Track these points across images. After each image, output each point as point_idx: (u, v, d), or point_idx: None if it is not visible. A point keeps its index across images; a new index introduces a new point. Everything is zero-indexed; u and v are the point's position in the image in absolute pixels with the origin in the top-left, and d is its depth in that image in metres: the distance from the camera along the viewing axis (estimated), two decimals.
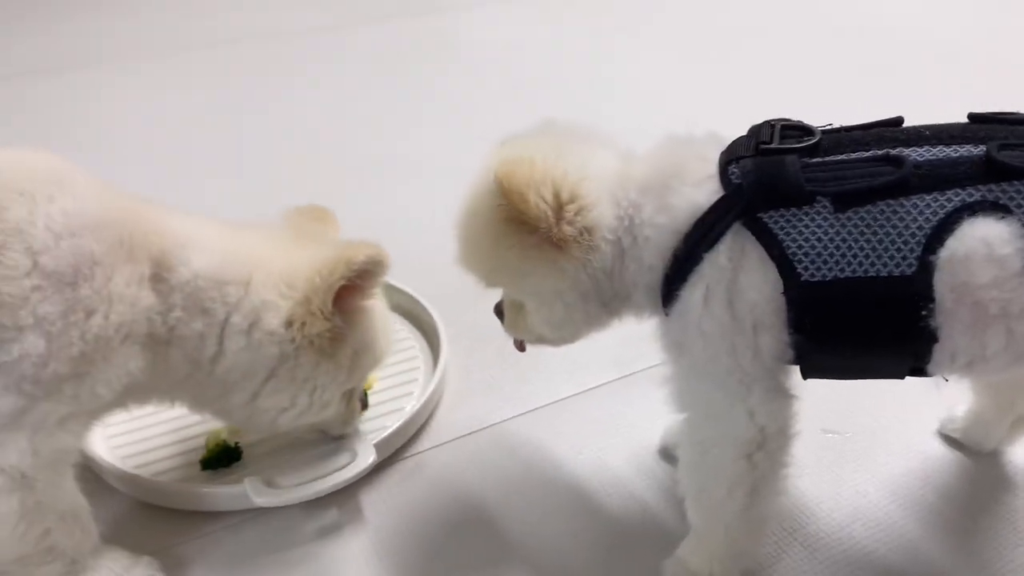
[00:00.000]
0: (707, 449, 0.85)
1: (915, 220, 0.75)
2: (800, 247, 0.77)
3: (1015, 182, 0.73)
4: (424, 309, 1.30)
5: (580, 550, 0.97)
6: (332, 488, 0.99)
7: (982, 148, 0.75)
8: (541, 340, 0.94)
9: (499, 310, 0.98)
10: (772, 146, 0.81)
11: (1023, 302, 0.74)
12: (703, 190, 0.80)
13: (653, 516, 1.00)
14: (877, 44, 2.48)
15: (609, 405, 1.17)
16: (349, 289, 0.92)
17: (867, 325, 0.78)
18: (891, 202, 0.76)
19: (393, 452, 1.09)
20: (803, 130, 0.82)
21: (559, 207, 0.82)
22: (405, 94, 2.31)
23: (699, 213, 0.80)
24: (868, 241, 0.76)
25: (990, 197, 0.74)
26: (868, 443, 1.09)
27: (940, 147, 0.76)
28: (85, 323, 0.79)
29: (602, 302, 0.88)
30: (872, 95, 1.97)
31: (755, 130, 0.84)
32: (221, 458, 1.06)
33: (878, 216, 0.76)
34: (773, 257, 0.78)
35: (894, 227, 0.75)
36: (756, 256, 0.78)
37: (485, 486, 1.06)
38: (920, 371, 0.81)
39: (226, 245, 0.91)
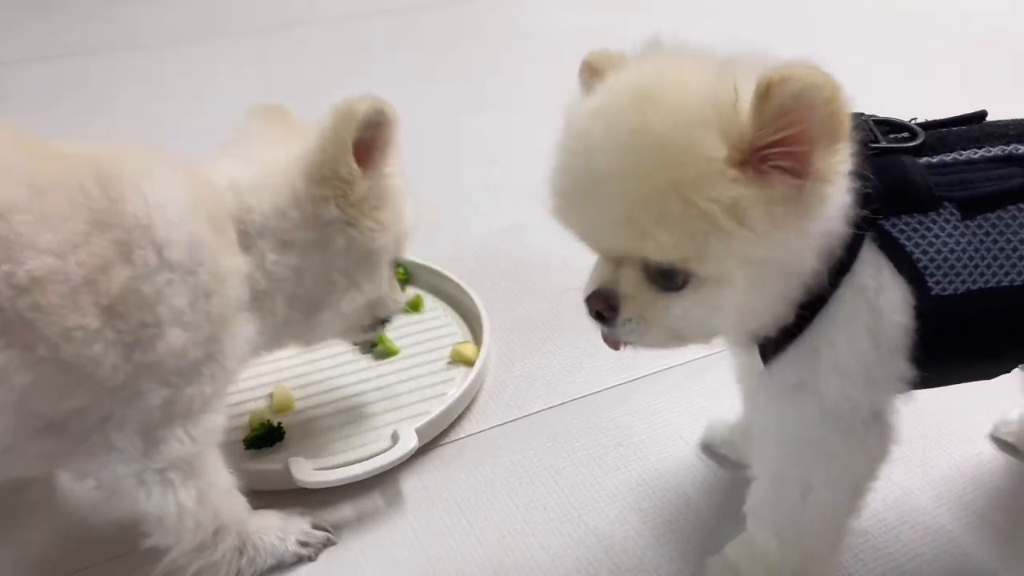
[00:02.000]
0: (812, 488, 0.77)
1: None
2: (932, 258, 0.70)
3: None
4: (469, 297, 1.30)
5: (619, 540, 0.96)
6: (374, 471, 0.99)
7: None
8: (677, 339, 0.73)
9: (603, 300, 0.71)
10: (883, 145, 0.72)
11: None
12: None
13: (694, 510, 0.99)
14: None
15: (649, 397, 1.16)
16: (366, 149, 0.89)
17: (997, 336, 0.73)
18: (1022, 206, 0.71)
19: (434, 437, 1.09)
20: (897, 127, 0.75)
21: (830, 117, 0.60)
22: (467, 80, 2.30)
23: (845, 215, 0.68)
24: (1001, 249, 0.70)
25: None
26: (917, 445, 1.07)
27: None
28: (207, 305, 0.80)
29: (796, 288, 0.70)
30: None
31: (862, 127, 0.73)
32: (264, 438, 1.06)
33: (1010, 222, 0.71)
34: (902, 271, 0.70)
35: None
36: (889, 272, 0.70)
37: (524, 474, 1.05)
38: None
39: (263, 175, 0.89)
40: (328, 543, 0.96)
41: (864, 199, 0.68)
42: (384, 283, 0.98)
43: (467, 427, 1.12)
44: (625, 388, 1.18)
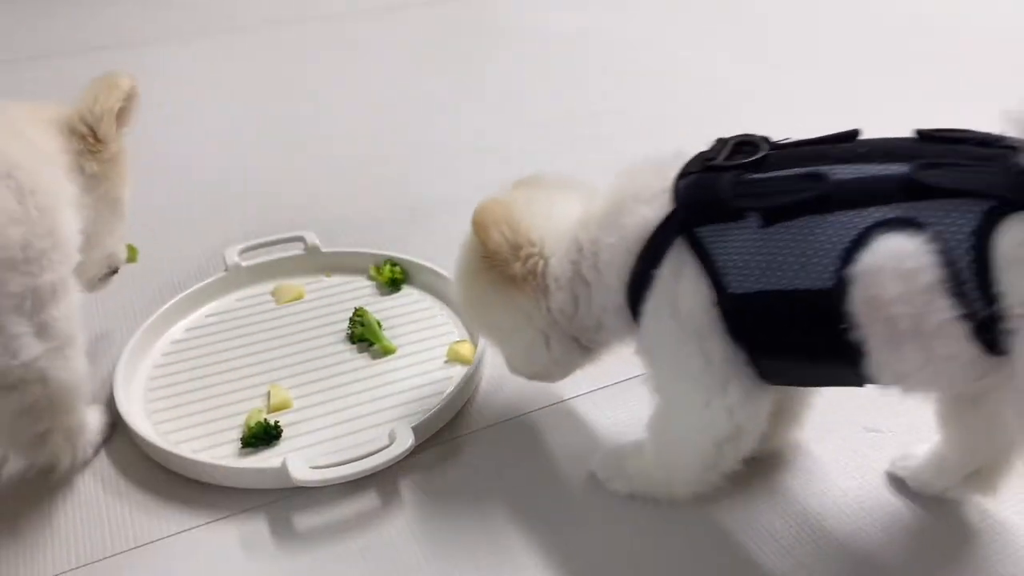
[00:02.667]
0: (684, 436, 0.93)
1: (836, 235, 0.77)
2: (730, 260, 0.82)
3: (933, 200, 0.73)
4: None
5: (617, 539, 0.96)
6: (370, 470, 0.99)
7: (907, 167, 0.75)
8: (526, 375, 1.07)
9: None
10: (715, 163, 0.85)
11: (935, 319, 0.74)
12: (654, 206, 0.87)
13: (694, 506, 0.99)
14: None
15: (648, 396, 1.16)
16: (119, 116, 1.09)
17: (797, 335, 0.82)
18: (815, 218, 0.78)
19: (431, 436, 1.09)
20: (755, 145, 0.86)
21: (516, 247, 0.94)
22: (448, 79, 2.30)
23: (650, 229, 0.86)
24: (792, 255, 0.79)
25: (906, 214, 0.74)
26: (912, 441, 1.07)
27: (871, 165, 0.77)
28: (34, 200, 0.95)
29: (570, 339, 0.99)
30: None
31: (714, 145, 0.88)
32: (261, 437, 1.06)
33: (802, 231, 0.78)
34: (706, 270, 0.83)
35: (817, 241, 0.77)
36: (692, 269, 0.84)
37: (522, 472, 1.05)
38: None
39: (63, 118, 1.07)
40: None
41: (682, 211, 0.84)
42: (123, 219, 1.15)
43: (465, 425, 1.12)
44: (625, 385, 1.18)
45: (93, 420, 1.07)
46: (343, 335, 1.26)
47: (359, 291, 1.36)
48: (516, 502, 1.01)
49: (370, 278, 1.38)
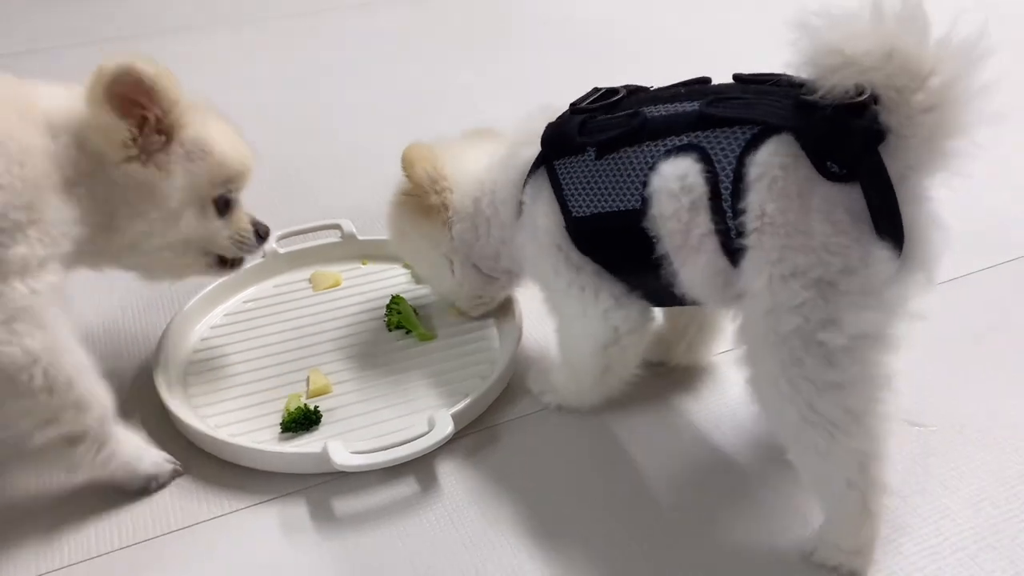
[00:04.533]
0: (574, 342, 1.06)
1: (641, 162, 0.89)
2: (572, 188, 0.96)
3: (716, 129, 0.83)
4: None
5: (652, 527, 0.96)
6: (410, 456, 0.99)
7: (699, 103, 0.86)
8: (440, 295, 1.27)
9: None
10: (577, 107, 0.99)
11: (696, 233, 0.85)
12: (533, 147, 1.01)
13: (730, 493, 0.99)
14: None
15: (687, 386, 1.16)
16: (130, 101, 0.95)
17: (625, 249, 0.94)
18: (630, 149, 0.90)
19: (470, 423, 1.09)
20: (616, 92, 0.98)
21: (432, 181, 1.10)
22: (471, 67, 2.29)
23: (529, 165, 1.01)
24: (613, 181, 0.92)
25: (693, 141, 0.85)
26: (954, 436, 1.05)
27: (680, 103, 0.89)
28: (22, 172, 0.89)
29: (471, 265, 1.15)
30: None
31: (587, 93, 1.01)
32: (300, 422, 1.07)
33: (620, 160, 0.91)
34: (557, 197, 0.97)
35: (629, 168, 0.90)
36: (547, 194, 0.99)
37: (559, 460, 1.05)
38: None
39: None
40: (176, 475, 1.04)
41: (544, 147, 0.99)
42: (182, 219, 1.03)
43: (503, 413, 1.12)
44: (661, 376, 1.18)
45: (128, 443, 1.00)
46: (380, 322, 1.26)
47: (395, 279, 1.36)
48: (554, 489, 1.01)
49: (405, 266, 1.38)
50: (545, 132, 1.00)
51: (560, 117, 1.01)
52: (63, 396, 0.90)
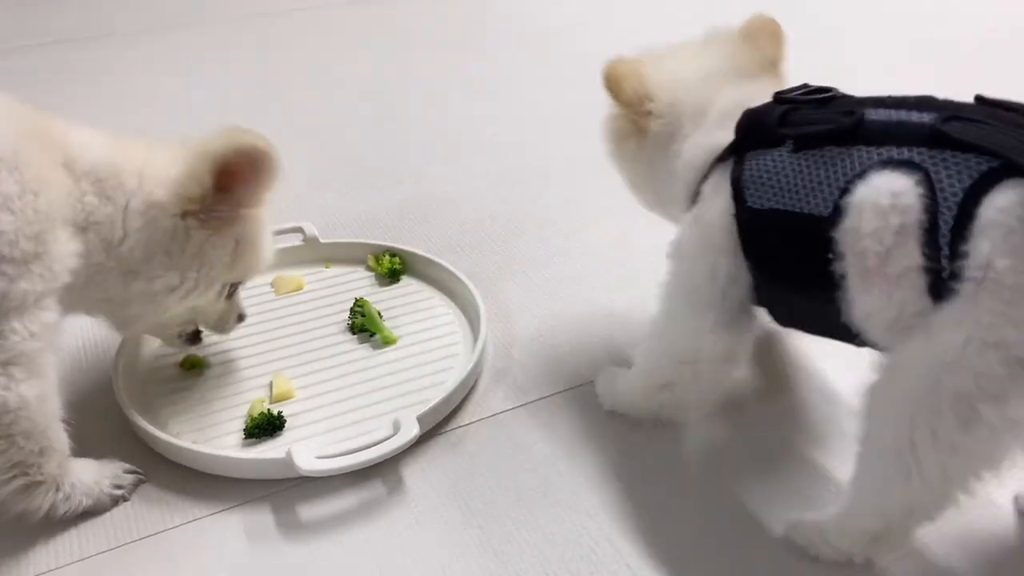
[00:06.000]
0: (658, 339, 1.02)
1: (847, 167, 0.78)
2: (753, 178, 0.86)
3: (946, 150, 0.73)
4: (463, 284, 1.29)
5: (621, 524, 0.97)
6: (375, 459, 0.99)
7: (933, 116, 0.76)
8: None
9: None
10: (783, 95, 0.90)
11: (901, 263, 0.74)
12: (728, 132, 0.92)
13: (691, 495, 1.00)
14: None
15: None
16: (232, 172, 0.96)
17: (793, 257, 0.85)
18: (837, 149, 0.80)
19: (435, 426, 1.09)
20: (830, 90, 0.89)
21: (639, 100, 0.99)
22: (442, 70, 2.29)
23: (718, 151, 0.93)
24: (807, 180, 0.82)
25: (912, 157, 0.74)
26: None
27: (906, 111, 0.78)
28: (35, 202, 0.87)
29: (654, 189, 1.07)
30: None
31: (799, 85, 0.93)
32: (264, 427, 1.06)
33: (822, 159, 0.81)
34: (732, 186, 0.88)
35: (832, 171, 0.79)
36: (724, 184, 0.90)
37: (526, 461, 1.06)
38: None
39: (118, 144, 0.98)
40: (139, 483, 1.02)
41: (738, 135, 0.90)
42: (213, 289, 1.04)
43: (469, 415, 1.12)
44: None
45: (84, 472, 0.99)
46: (343, 325, 1.25)
47: (358, 282, 1.36)
48: (517, 490, 1.02)
49: (369, 269, 1.38)
50: (742, 119, 0.90)
51: (762, 106, 0.91)
52: (36, 442, 0.90)
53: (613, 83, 1.00)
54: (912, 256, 0.74)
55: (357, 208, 1.61)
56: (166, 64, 2.39)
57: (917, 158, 0.74)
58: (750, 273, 0.90)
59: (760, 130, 0.88)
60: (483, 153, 1.82)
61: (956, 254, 0.71)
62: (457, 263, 1.35)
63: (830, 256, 0.79)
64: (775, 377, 1.18)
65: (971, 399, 0.72)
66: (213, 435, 1.07)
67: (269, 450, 1.04)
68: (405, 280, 1.36)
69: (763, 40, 1.01)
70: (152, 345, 1.22)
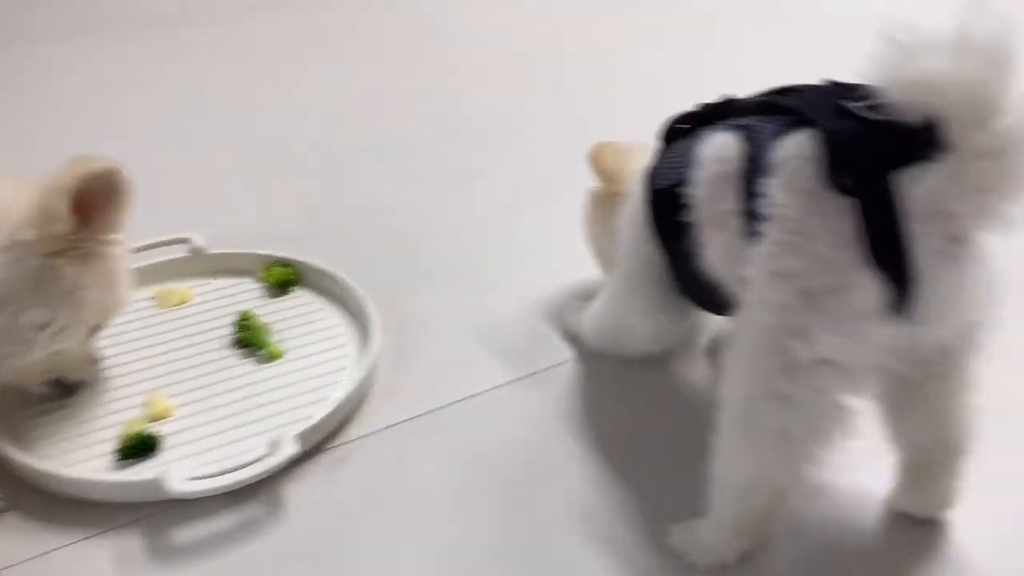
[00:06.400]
0: (605, 312, 1.15)
1: (705, 137, 0.91)
2: (660, 164, 0.99)
3: (774, 115, 0.83)
4: (356, 295, 1.26)
5: (508, 540, 0.95)
6: (250, 479, 0.95)
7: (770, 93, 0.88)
8: None
9: None
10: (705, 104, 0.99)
11: (723, 206, 0.85)
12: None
13: (579, 504, 0.99)
14: None
15: (543, 393, 1.16)
16: (89, 204, 0.95)
17: (677, 225, 0.92)
18: (708, 127, 0.91)
19: (319, 442, 1.06)
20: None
21: (612, 178, 1.15)
22: (344, 78, 2.26)
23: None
24: (685, 156, 0.92)
25: (747, 123, 0.85)
26: None
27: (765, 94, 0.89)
28: None
29: None
30: None
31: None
32: (138, 448, 1.02)
33: (697, 137, 0.92)
34: (649, 172, 1.00)
35: (697, 143, 0.91)
36: (646, 172, 1.02)
37: (412, 476, 1.03)
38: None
39: None
40: (2, 511, 0.97)
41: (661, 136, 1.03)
42: (80, 330, 1.02)
43: (356, 430, 1.10)
44: (518, 384, 1.17)
45: None
46: (228, 340, 1.21)
47: (247, 294, 1.31)
48: (405, 507, 0.99)
49: (259, 280, 1.34)
50: (664, 127, 1.03)
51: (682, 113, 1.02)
52: None
53: (595, 160, 1.18)
54: (733, 200, 0.83)
55: (253, 218, 1.56)
56: (66, 71, 2.30)
57: (748, 123, 0.85)
58: (661, 253, 1.00)
59: (670, 128, 1.02)
60: (387, 161, 1.79)
61: (756, 195, 0.79)
62: (355, 274, 1.32)
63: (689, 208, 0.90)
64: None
65: (780, 335, 0.76)
66: (84, 458, 1.02)
67: (141, 472, 1.00)
68: (296, 292, 1.32)
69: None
70: None
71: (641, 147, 1.13)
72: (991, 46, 0.65)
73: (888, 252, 0.72)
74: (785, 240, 0.76)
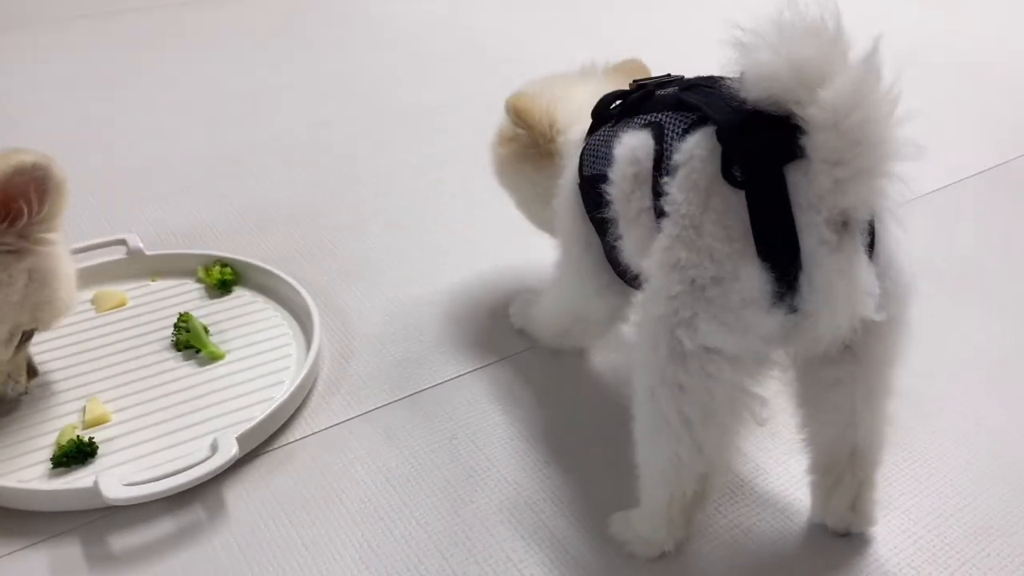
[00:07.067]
0: (554, 299, 1.15)
1: (625, 133, 0.91)
2: (588, 151, 0.99)
3: (680, 112, 0.85)
4: (297, 293, 1.25)
5: (450, 534, 0.95)
6: (190, 483, 0.94)
7: (679, 88, 0.89)
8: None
9: None
10: (638, 82, 1.00)
11: (637, 204, 0.87)
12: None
13: (525, 497, 1.00)
14: None
15: (484, 389, 1.16)
16: (13, 200, 0.90)
17: (601, 212, 0.94)
18: (627, 119, 0.93)
19: (261, 443, 1.05)
20: (679, 79, 0.97)
21: (549, 128, 1.12)
22: (303, 67, 2.23)
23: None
24: (607, 146, 0.93)
25: (657, 119, 0.87)
26: None
27: (675, 88, 0.91)
28: None
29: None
30: None
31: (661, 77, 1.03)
32: (74, 455, 1.00)
33: (618, 129, 0.93)
34: (580, 157, 1.01)
35: (617, 136, 0.91)
36: (576, 156, 1.02)
37: (355, 475, 1.03)
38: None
39: None
40: None
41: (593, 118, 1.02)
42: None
43: (298, 430, 1.09)
44: (459, 381, 1.18)
45: None
46: (168, 342, 1.20)
47: (187, 295, 1.30)
48: (350, 505, 0.99)
49: (199, 280, 1.32)
50: (596, 103, 1.02)
51: (614, 91, 1.02)
52: None
53: (523, 115, 1.13)
54: (644, 198, 0.85)
55: (189, 218, 1.54)
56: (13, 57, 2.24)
57: (661, 119, 0.86)
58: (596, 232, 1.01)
59: (602, 110, 1.01)
60: (322, 157, 1.77)
61: (660, 193, 0.81)
62: (295, 272, 1.31)
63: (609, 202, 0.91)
64: None
65: (669, 325, 0.79)
66: (18, 466, 1.00)
67: (78, 479, 0.98)
68: (237, 291, 1.31)
69: (635, 74, 1.11)
70: None
71: (560, 82, 1.16)
72: (808, 26, 0.69)
73: (774, 242, 0.74)
74: (677, 234, 0.78)
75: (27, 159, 0.89)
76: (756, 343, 0.77)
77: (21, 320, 0.98)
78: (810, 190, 0.73)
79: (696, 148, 0.79)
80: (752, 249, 0.75)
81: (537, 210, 1.20)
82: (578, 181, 1.01)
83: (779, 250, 0.74)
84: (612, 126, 0.96)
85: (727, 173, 0.75)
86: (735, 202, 0.75)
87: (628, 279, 1.00)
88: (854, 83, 0.69)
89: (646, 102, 0.92)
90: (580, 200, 1.01)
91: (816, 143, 0.71)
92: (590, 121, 1.03)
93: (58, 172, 0.91)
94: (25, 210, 0.91)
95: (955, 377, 1.18)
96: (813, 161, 0.72)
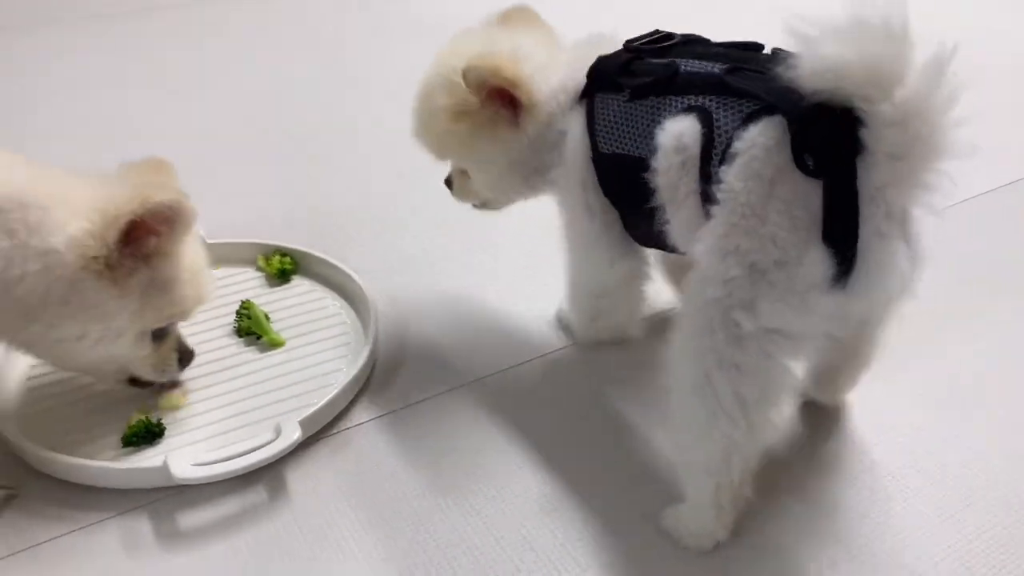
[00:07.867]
0: (575, 285, 1.17)
1: (660, 114, 0.91)
2: (603, 124, 0.98)
3: (728, 97, 0.85)
4: (353, 280, 1.28)
5: (504, 521, 0.97)
6: (254, 465, 0.97)
7: (721, 68, 0.88)
8: (485, 204, 1.21)
9: (449, 180, 1.22)
10: (631, 44, 1.00)
11: (684, 191, 0.88)
12: (582, 78, 1.02)
13: (587, 484, 1.01)
14: None
15: (546, 377, 1.18)
16: (143, 228, 0.94)
17: (632, 192, 0.95)
18: (657, 99, 0.92)
19: (321, 428, 1.08)
20: (672, 37, 0.98)
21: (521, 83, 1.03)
22: (334, 66, 2.26)
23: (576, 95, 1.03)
24: (637, 126, 0.94)
25: (702, 104, 0.87)
26: None
27: (710, 63, 0.90)
28: None
29: (524, 175, 1.11)
30: None
31: (647, 33, 1.01)
32: (142, 435, 1.04)
33: (647, 108, 0.93)
34: (588, 131, 1.00)
35: (651, 118, 0.92)
36: (580, 128, 1.01)
37: (412, 461, 1.05)
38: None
39: (32, 176, 0.93)
40: (10, 498, 0.98)
41: (588, 79, 1.01)
42: (123, 341, 1.00)
43: (358, 416, 1.12)
44: (522, 368, 1.19)
45: None
46: (230, 329, 1.23)
47: (247, 283, 1.33)
48: (405, 492, 1.01)
49: (259, 269, 1.36)
50: (592, 65, 1.00)
51: (612, 53, 1.00)
52: None
53: (502, 74, 1.01)
54: (692, 182, 0.86)
55: (248, 208, 1.58)
56: (36, 64, 2.30)
57: (707, 104, 0.86)
58: (612, 204, 1.03)
59: (605, 75, 0.98)
60: (379, 149, 1.80)
61: (714, 180, 0.82)
62: (351, 261, 1.34)
63: (652, 190, 0.92)
64: None
65: (727, 308, 0.80)
66: (91, 445, 1.04)
67: (147, 459, 1.02)
68: (296, 280, 1.34)
69: (528, 21, 1.13)
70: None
71: (486, 38, 1.07)
72: (883, 25, 0.69)
73: (842, 230, 0.77)
74: (735, 222, 0.80)
75: (165, 201, 0.91)
76: (817, 322, 0.80)
77: (146, 324, 1.01)
78: (870, 182, 0.75)
79: (760, 137, 0.79)
80: (816, 235, 0.77)
81: (515, 182, 1.13)
82: (590, 155, 1.00)
83: (843, 237, 0.77)
84: (628, 101, 0.95)
85: (800, 162, 0.76)
86: (804, 191, 0.77)
87: (655, 242, 1.02)
88: (927, 84, 0.70)
89: (671, 81, 0.91)
90: (591, 173, 1.01)
91: (881, 137, 0.72)
92: (566, 80, 1.03)
93: (189, 211, 0.93)
94: (152, 242, 0.95)
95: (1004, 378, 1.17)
96: (876, 154, 0.74)
